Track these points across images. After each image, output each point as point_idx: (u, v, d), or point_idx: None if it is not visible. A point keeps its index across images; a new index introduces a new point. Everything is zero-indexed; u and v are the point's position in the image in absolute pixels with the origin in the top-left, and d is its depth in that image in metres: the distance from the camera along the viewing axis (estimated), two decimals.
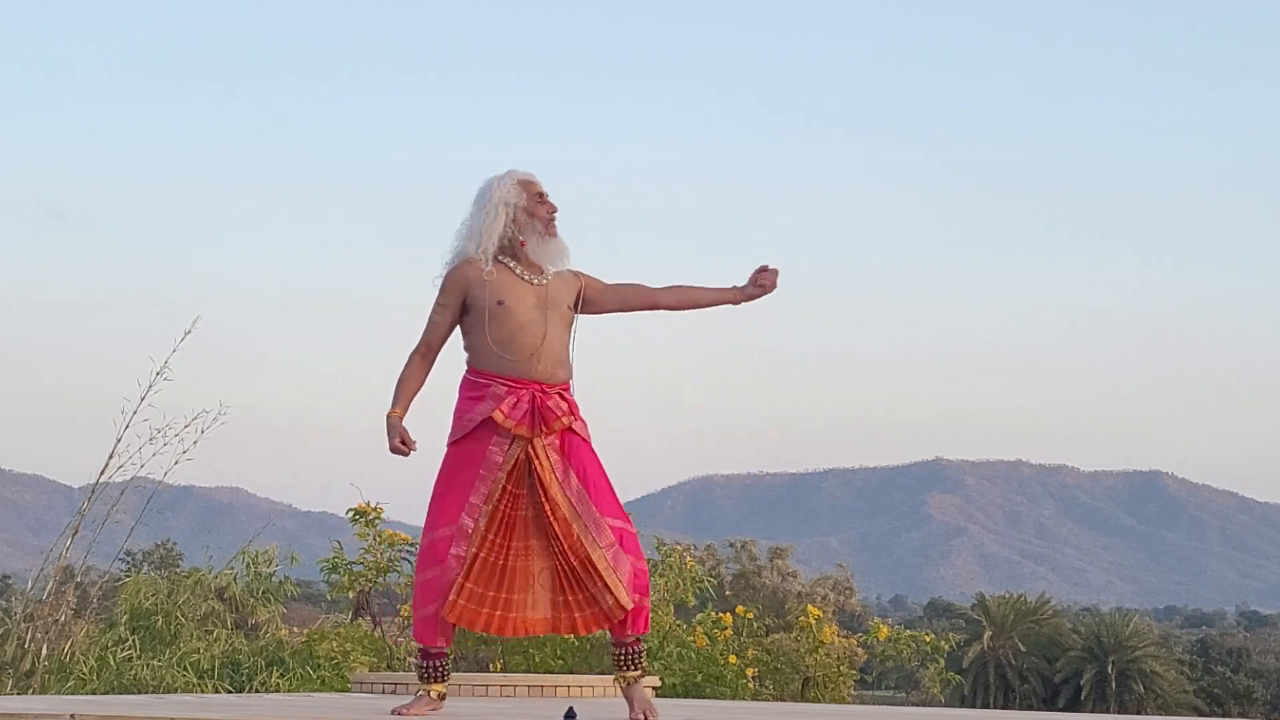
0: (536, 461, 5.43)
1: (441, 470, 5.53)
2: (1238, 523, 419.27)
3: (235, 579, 13.06)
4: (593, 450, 5.57)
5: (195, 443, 11.44)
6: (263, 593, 13.16)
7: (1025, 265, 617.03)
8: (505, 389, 5.43)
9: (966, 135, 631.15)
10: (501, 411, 5.40)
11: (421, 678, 5.58)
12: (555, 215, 5.55)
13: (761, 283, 5.67)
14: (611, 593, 5.40)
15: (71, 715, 4.79)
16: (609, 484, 5.58)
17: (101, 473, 11.44)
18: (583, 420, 5.58)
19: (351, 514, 11.75)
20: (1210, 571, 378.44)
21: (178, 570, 16.80)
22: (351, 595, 12.04)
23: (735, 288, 5.69)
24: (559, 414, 5.46)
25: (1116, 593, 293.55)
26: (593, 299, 5.64)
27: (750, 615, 13.20)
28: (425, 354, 5.62)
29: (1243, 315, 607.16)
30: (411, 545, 11.60)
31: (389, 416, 5.53)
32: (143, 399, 11.32)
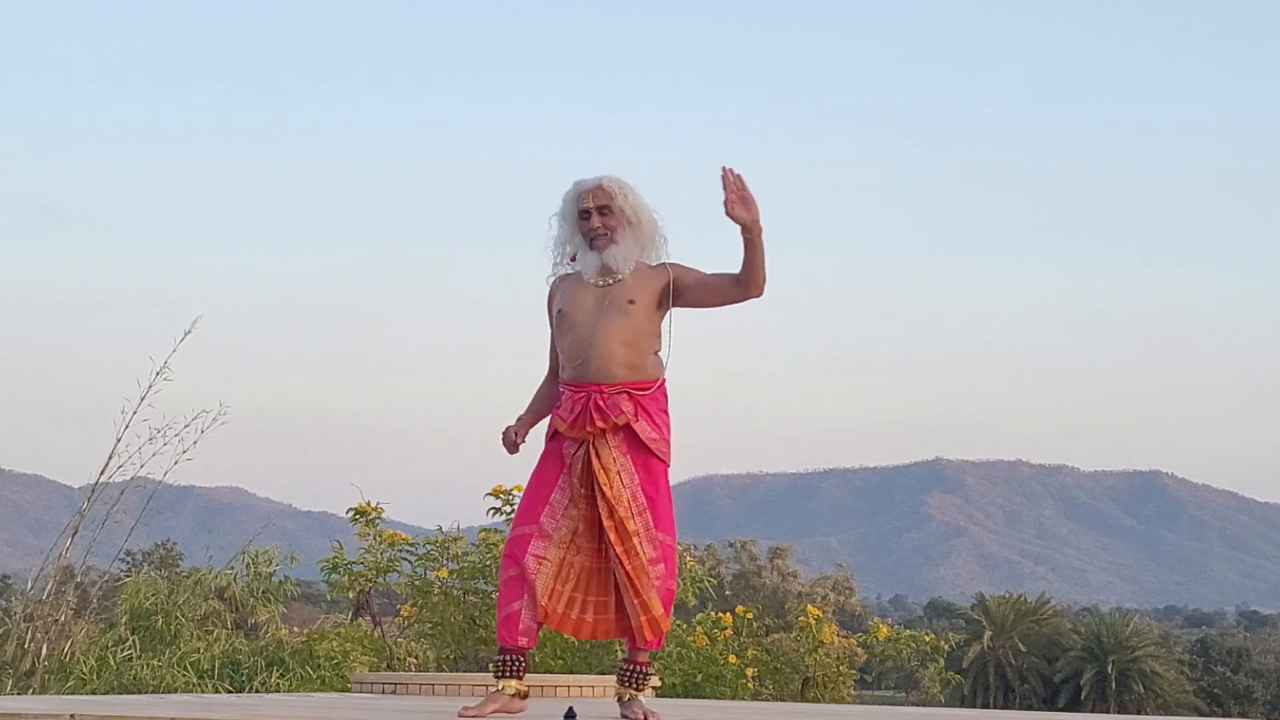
0: (596, 462, 5.43)
1: (531, 474, 5.58)
2: (1238, 523, 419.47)
3: (235, 579, 13.08)
4: (666, 469, 5.55)
5: (195, 443, 11.46)
6: (263, 593, 13.17)
7: (1025, 265, 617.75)
8: (568, 394, 5.48)
9: (966, 135, 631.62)
10: (560, 416, 5.47)
11: (496, 674, 5.51)
12: (596, 231, 5.50)
13: (729, 201, 5.33)
14: (650, 610, 5.43)
15: (71, 715, 4.79)
16: (670, 501, 5.57)
17: (101, 473, 11.46)
18: (658, 425, 5.52)
19: (352, 514, 11.75)
20: (1210, 571, 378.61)
21: (177, 570, 16.81)
22: (351, 595, 12.04)
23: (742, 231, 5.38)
24: (612, 413, 5.43)
25: (1116, 593, 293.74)
26: (680, 291, 5.56)
27: (750, 615, 13.20)
28: (550, 378, 5.68)
29: (1243, 315, 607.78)
30: (411, 545, 11.61)
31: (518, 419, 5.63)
32: (143, 399, 11.33)
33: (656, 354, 5.56)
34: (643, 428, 5.48)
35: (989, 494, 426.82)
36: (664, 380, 5.56)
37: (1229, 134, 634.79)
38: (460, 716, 5.37)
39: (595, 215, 5.53)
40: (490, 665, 5.60)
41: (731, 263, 5.45)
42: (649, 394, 5.50)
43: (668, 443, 5.55)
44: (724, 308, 5.58)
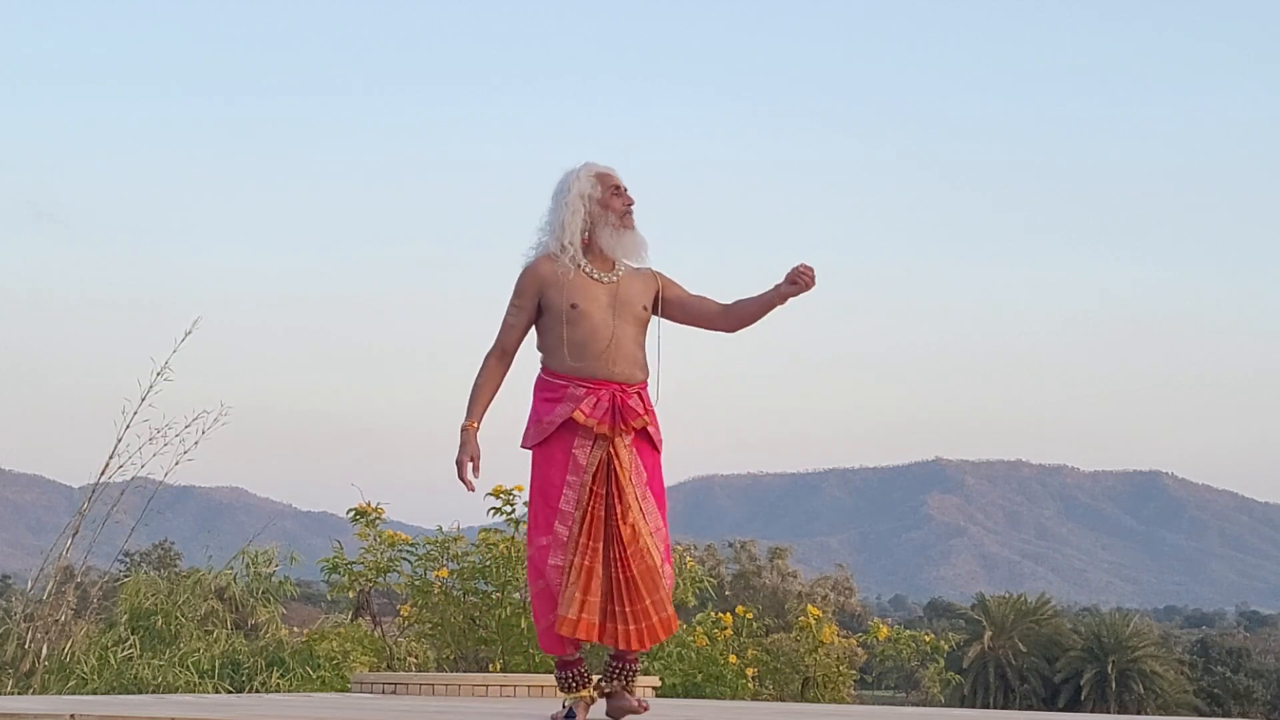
0: (616, 461, 5.36)
1: (533, 478, 5.44)
2: (1238, 523, 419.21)
3: (235, 579, 13.08)
4: (660, 462, 5.52)
5: (195, 443, 11.47)
6: (263, 593, 13.17)
7: (1025, 265, 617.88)
8: (584, 390, 5.35)
9: (964, 136, 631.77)
10: (582, 411, 5.32)
11: (565, 689, 5.44)
12: (631, 208, 5.46)
13: (795, 280, 5.42)
14: (666, 609, 5.37)
15: (71, 715, 4.80)
16: (664, 495, 5.53)
17: (102, 473, 11.47)
18: (657, 424, 5.51)
19: (352, 514, 11.75)
20: (1210, 571, 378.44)
21: (176, 570, 16.82)
22: (351, 595, 12.05)
23: (776, 287, 5.45)
24: (639, 413, 5.40)
25: (1116, 593, 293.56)
26: (665, 303, 5.55)
27: (750, 615, 13.19)
28: (500, 357, 5.50)
29: (1242, 315, 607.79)
30: (411, 545, 11.61)
31: (463, 429, 5.42)
32: (143, 399, 11.36)
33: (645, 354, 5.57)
34: (654, 431, 5.49)
35: (989, 494, 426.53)
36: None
37: (1227, 133, 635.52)
38: None
39: (626, 193, 5.47)
40: (557, 682, 5.50)
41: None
42: (646, 394, 5.51)
43: (661, 442, 5.58)
44: (689, 327, 5.63)
